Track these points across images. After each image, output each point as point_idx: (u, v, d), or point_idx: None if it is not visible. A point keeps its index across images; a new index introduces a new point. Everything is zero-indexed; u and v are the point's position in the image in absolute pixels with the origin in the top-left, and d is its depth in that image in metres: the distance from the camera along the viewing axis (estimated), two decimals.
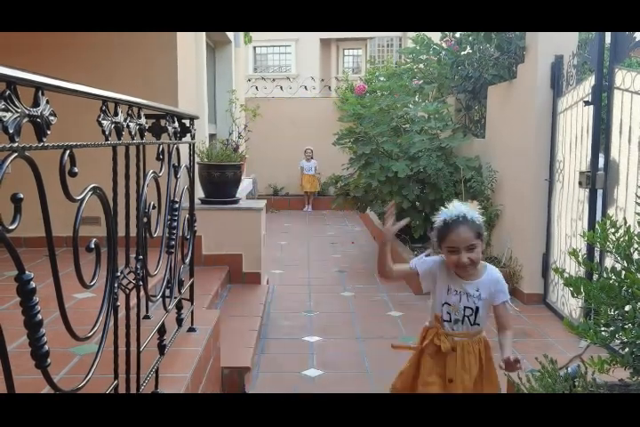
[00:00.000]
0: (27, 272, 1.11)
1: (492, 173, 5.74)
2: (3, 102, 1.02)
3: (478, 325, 2.35)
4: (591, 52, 4.10)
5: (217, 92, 8.14)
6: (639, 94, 3.58)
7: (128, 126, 1.71)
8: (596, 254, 3.98)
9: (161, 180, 2.16)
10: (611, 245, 2.18)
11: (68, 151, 1.28)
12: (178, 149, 2.49)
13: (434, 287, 2.39)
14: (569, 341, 4.05)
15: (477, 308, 2.32)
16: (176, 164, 2.47)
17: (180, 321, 2.67)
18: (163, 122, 2.36)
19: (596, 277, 2.35)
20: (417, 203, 6.48)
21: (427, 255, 2.44)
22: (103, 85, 1.55)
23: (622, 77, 3.76)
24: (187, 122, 2.72)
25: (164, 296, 2.36)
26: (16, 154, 1.06)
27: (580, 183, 4.18)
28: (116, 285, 1.65)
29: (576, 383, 2.41)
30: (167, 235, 2.40)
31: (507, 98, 5.50)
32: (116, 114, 1.60)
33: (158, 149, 2.17)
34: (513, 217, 5.36)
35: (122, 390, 1.76)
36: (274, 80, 12.28)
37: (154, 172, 2.07)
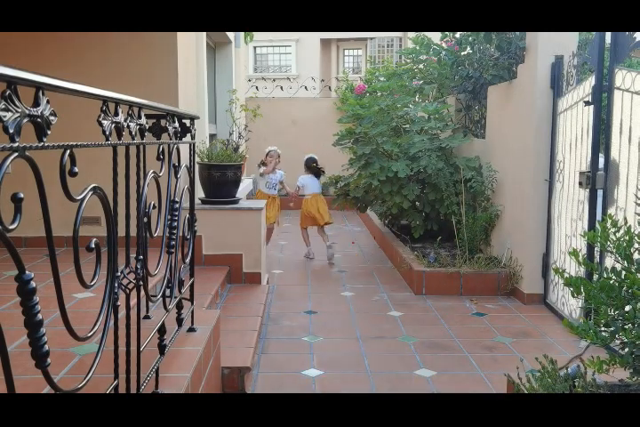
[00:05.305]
0: (27, 272, 1.10)
1: (492, 173, 5.74)
2: (3, 102, 1.02)
3: None
4: (591, 53, 4.10)
5: (217, 92, 8.15)
6: (639, 94, 3.58)
7: (128, 126, 1.71)
8: (596, 254, 3.98)
9: (161, 180, 2.16)
10: (611, 245, 2.18)
11: (68, 151, 1.28)
12: (178, 149, 2.49)
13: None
14: (569, 341, 4.06)
15: None
16: (176, 164, 2.47)
17: (180, 321, 2.67)
18: (163, 122, 2.36)
19: (596, 277, 2.35)
20: (417, 203, 6.49)
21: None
22: (104, 85, 1.55)
23: (622, 78, 3.76)
24: (187, 122, 2.72)
25: (164, 296, 2.36)
26: (16, 154, 1.06)
27: (581, 183, 4.18)
28: (116, 285, 1.65)
29: (576, 384, 2.41)
30: (167, 235, 2.40)
31: (507, 98, 5.50)
32: (116, 114, 1.60)
33: (158, 148, 2.17)
34: (513, 217, 5.36)
35: (122, 390, 1.76)
36: (274, 80, 12.29)
37: (154, 172, 2.06)
